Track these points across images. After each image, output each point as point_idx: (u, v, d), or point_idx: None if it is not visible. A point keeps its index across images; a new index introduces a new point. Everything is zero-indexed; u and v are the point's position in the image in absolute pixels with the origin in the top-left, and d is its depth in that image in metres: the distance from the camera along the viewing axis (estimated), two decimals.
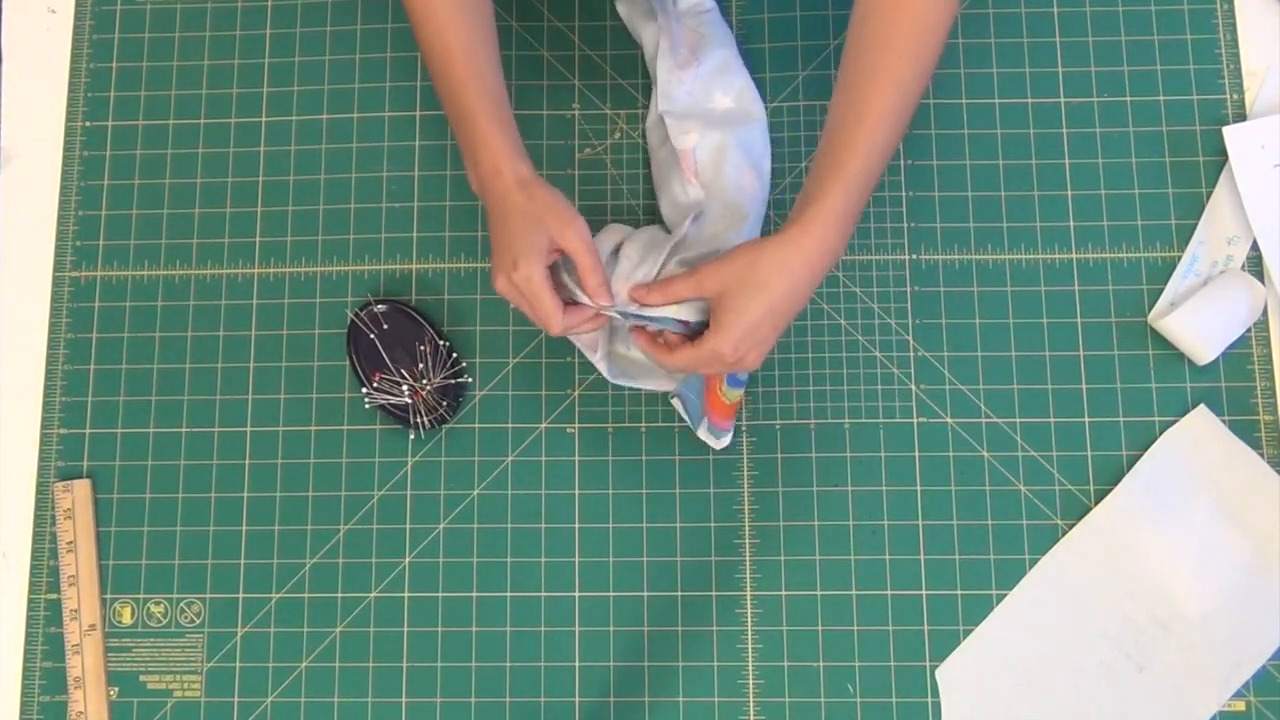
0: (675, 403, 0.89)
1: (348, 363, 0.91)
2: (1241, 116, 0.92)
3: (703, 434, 0.88)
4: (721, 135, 0.88)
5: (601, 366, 0.85)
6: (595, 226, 0.80)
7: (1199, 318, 0.88)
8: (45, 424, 0.92)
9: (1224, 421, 0.88)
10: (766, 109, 0.93)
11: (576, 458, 0.90)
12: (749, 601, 0.88)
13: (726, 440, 0.87)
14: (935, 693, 0.86)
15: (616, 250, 0.83)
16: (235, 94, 0.96)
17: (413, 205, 0.94)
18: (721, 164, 0.87)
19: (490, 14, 0.82)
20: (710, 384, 0.83)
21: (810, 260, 0.75)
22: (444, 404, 0.89)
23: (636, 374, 0.86)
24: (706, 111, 0.90)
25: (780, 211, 0.92)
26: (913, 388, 0.90)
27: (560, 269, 0.79)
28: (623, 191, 0.93)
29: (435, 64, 0.80)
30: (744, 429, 0.90)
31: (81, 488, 0.90)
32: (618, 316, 0.79)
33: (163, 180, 0.95)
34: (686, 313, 0.78)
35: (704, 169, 0.87)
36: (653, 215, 0.92)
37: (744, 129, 0.89)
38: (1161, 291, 0.90)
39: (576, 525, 0.89)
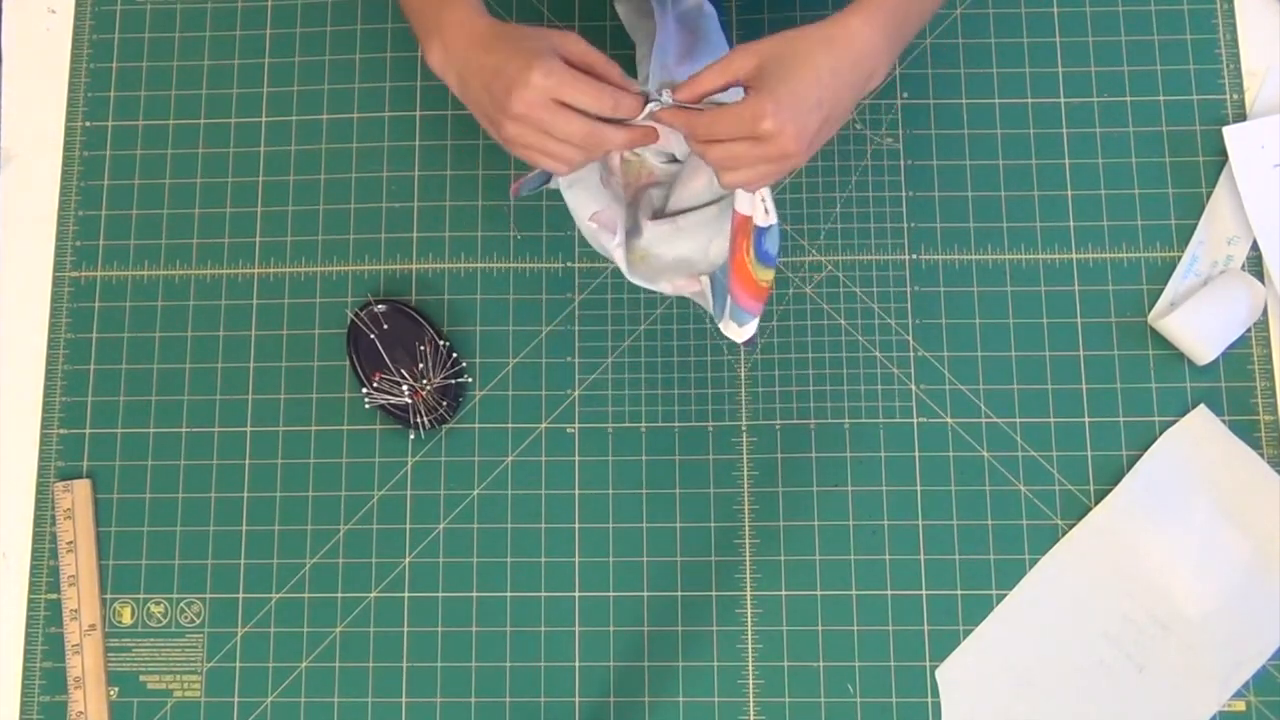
0: (702, 286, 0.80)
1: (348, 363, 0.91)
2: (1241, 116, 0.92)
3: (725, 326, 0.78)
4: None
5: (618, 255, 0.77)
6: None
7: (1199, 318, 0.88)
8: (45, 424, 0.92)
9: (1224, 421, 0.88)
10: None
11: (576, 458, 0.90)
12: (749, 601, 0.88)
13: (752, 328, 0.77)
14: (935, 693, 0.86)
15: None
16: (235, 94, 0.96)
17: (413, 205, 0.94)
18: None
19: None
20: (737, 248, 0.73)
21: (856, 43, 0.68)
22: (444, 404, 0.89)
23: (655, 275, 0.79)
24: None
25: None
26: (913, 388, 0.90)
27: None
28: None
29: None
30: (744, 429, 0.90)
31: (81, 488, 0.90)
32: (655, 101, 0.70)
33: (163, 180, 0.95)
34: None
35: None
36: None
37: None
38: (1161, 291, 0.90)
39: (576, 525, 0.89)
